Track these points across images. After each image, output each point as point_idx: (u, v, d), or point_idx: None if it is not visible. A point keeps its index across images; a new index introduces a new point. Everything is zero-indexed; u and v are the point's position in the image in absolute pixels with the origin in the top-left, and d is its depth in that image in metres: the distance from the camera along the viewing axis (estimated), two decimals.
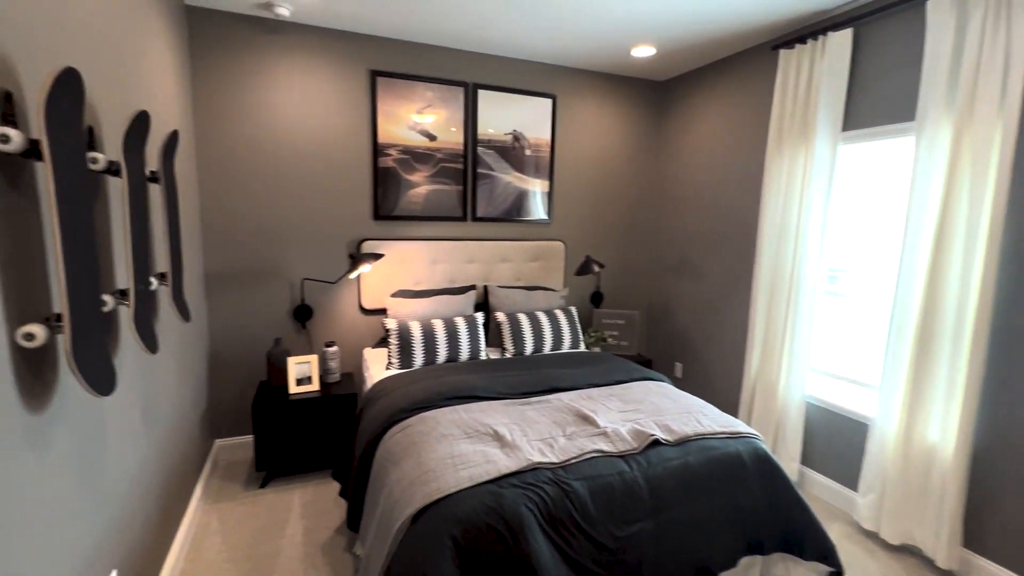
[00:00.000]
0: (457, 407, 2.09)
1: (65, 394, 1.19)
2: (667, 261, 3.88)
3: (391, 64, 3.08)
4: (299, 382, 2.75)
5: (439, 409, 2.07)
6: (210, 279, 2.83)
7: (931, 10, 2.11)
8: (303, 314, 2.99)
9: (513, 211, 3.52)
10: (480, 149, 3.37)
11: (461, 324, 2.88)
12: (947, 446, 2.10)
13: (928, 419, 2.18)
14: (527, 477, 1.61)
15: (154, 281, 1.64)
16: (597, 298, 3.77)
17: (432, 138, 3.23)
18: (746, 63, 3.14)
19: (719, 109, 3.36)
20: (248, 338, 2.94)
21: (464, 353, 2.84)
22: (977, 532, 2.08)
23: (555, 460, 1.70)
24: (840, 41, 2.49)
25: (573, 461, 1.71)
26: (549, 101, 3.52)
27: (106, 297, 1.24)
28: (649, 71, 3.63)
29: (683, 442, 1.89)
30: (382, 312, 3.21)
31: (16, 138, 0.95)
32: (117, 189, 1.55)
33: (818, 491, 2.73)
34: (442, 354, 2.78)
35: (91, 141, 1.35)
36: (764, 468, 1.90)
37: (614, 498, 1.64)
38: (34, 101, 1.11)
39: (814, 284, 2.69)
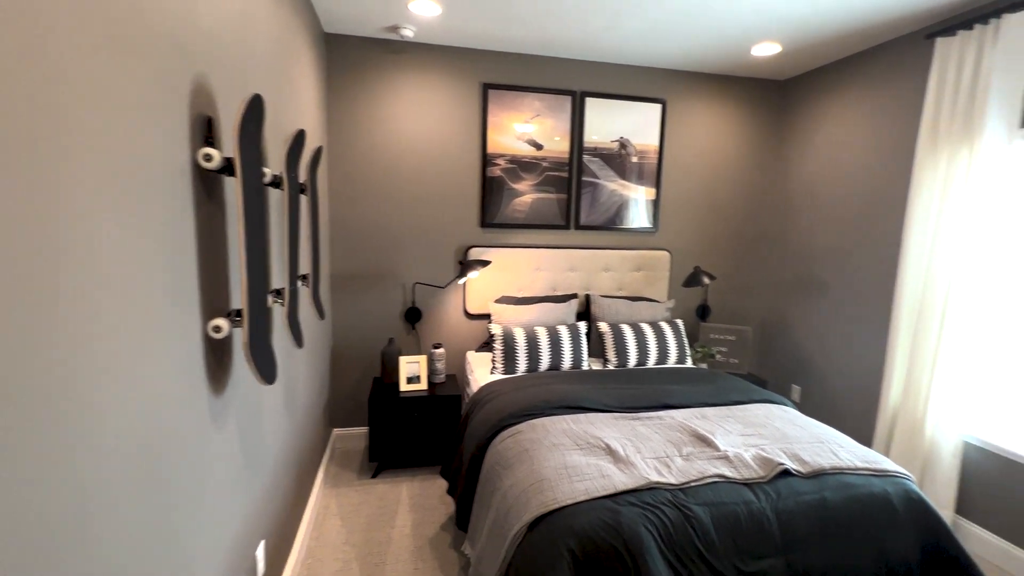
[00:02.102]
0: (565, 416, 2.08)
1: (237, 381, 1.35)
2: (786, 275, 3.58)
3: (501, 76, 3.17)
4: (409, 380, 2.90)
5: (547, 417, 2.06)
6: (334, 280, 3.09)
7: None
8: (413, 316, 3.16)
9: (616, 219, 3.45)
10: (585, 157, 3.35)
11: (564, 332, 2.86)
12: None
13: None
14: (644, 496, 1.55)
15: (299, 282, 1.82)
16: (704, 312, 3.57)
17: (538, 147, 3.27)
18: (888, 56, 2.81)
19: (854, 108, 3.04)
20: (365, 336, 3.17)
21: (567, 362, 2.82)
22: None
23: (674, 481, 1.62)
24: (1020, 23, 2.14)
25: (693, 484, 1.62)
26: (658, 106, 3.41)
27: (267, 296, 1.39)
28: (769, 70, 3.39)
29: (817, 475, 1.71)
30: (485, 317, 3.30)
31: (217, 157, 1.10)
32: (275, 199, 1.74)
33: (977, 547, 2.34)
34: (545, 361, 2.78)
35: (261, 158, 1.54)
36: (919, 515, 1.66)
37: (740, 529, 1.53)
38: (229, 124, 1.28)
39: (977, 305, 2.32)
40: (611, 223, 3.45)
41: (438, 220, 3.19)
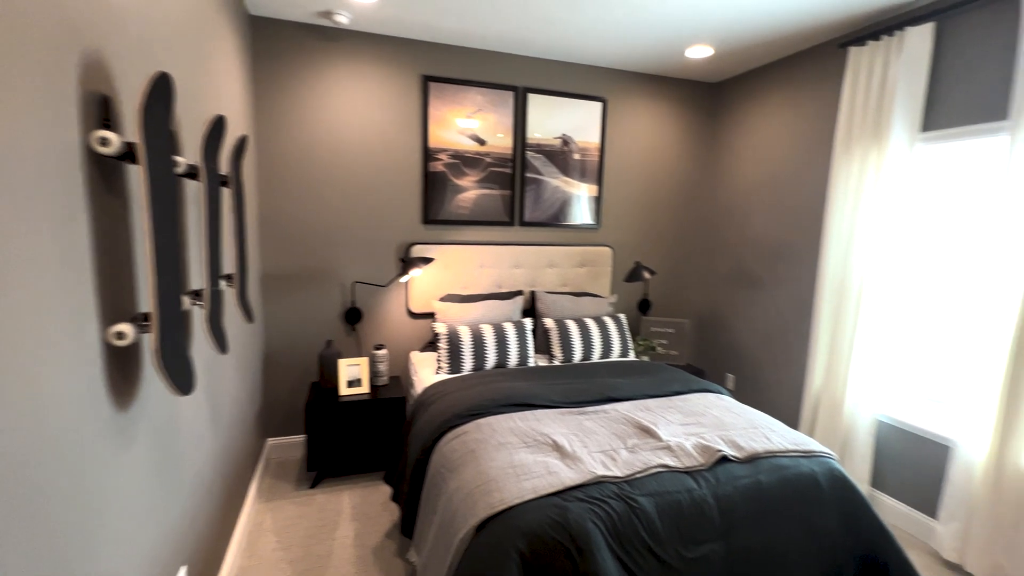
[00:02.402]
0: (512, 414, 2.05)
1: (148, 393, 1.22)
2: (721, 269, 3.75)
3: (442, 69, 3.10)
4: (349, 384, 2.77)
5: (494, 416, 2.03)
6: (266, 280, 2.90)
7: None
8: (353, 316, 3.02)
9: (560, 216, 3.47)
10: (528, 153, 3.34)
11: (510, 329, 2.84)
12: None
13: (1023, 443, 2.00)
14: (592, 491, 1.55)
15: (222, 283, 1.67)
16: (645, 306, 3.67)
17: (481, 142, 3.22)
18: (810, 62, 3.00)
19: (779, 111, 3.23)
20: (300, 339, 3.00)
21: (513, 359, 2.80)
22: None
23: (619, 474, 1.63)
24: (919, 36, 2.34)
25: (638, 476, 1.64)
26: (599, 104, 3.46)
27: (183, 298, 1.27)
28: (703, 72, 3.53)
29: (752, 459, 1.79)
30: (429, 316, 3.22)
31: (115, 141, 0.97)
32: (192, 192, 1.58)
33: (890, 516, 2.55)
34: (491, 359, 2.75)
35: (174, 145, 1.39)
36: (841, 490, 1.78)
37: (682, 517, 1.56)
38: (130, 105, 1.14)
39: (887, 294, 2.52)
40: (555, 220, 3.47)
41: (378, 216, 3.07)
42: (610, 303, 3.31)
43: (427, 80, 3.06)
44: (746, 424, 2.03)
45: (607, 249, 3.55)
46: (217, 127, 1.49)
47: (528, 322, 2.95)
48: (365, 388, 2.80)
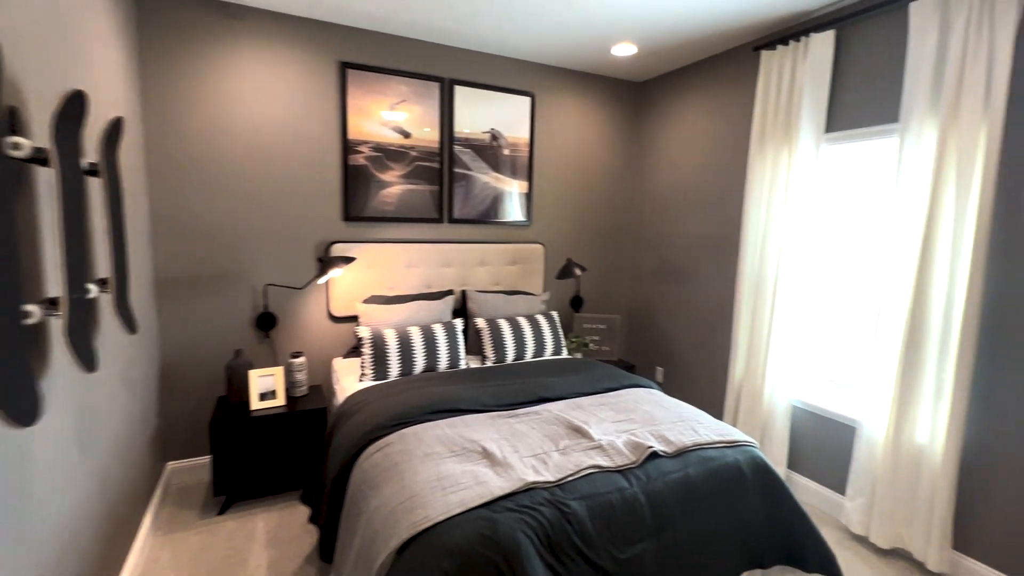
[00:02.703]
0: (440, 422, 1.94)
1: None
2: (648, 264, 3.83)
3: (362, 56, 2.91)
4: (262, 397, 2.53)
5: (420, 424, 1.91)
6: (161, 285, 2.58)
7: (914, 12, 2.11)
8: (266, 323, 2.77)
9: (491, 212, 3.39)
10: (457, 148, 3.23)
11: (439, 331, 2.72)
12: (936, 448, 2.09)
13: (916, 421, 2.18)
14: (522, 499, 1.48)
15: (93, 288, 1.42)
16: (577, 302, 3.68)
17: (406, 135, 3.07)
18: (728, 64, 3.12)
19: (700, 110, 3.34)
20: (204, 350, 2.69)
21: (443, 362, 2.68)
22: (966, 534, 2.07)
23: (550, 478, 1.57)
24: (822, 42, 2.48)
25: (570, 478, 1.59)
26: (527, 99, 3.41)
27: (30, 308, 1.05)
28: (628, 71, 3.58)
29: (681, 453, 1.80)
30: (353, 320, 3.02)
31: None
32: (48, 182, 1.33)
33: (806, 495, 2.70)
34: (419, 363, 2.61)
35: (13, 124, 1.15)
36: (763, 478, 1.83)
37: (615, 518, 1.53)
38: None
39: (799, 286, 2.67)
40: (486, 216, 3.38)
41: (294, 213, 2.83)
42: (543, 301, 3.28)
43: (345, 67, 2.86)
44: (675, 418, 2.05)
45: (539, 246, 3.51)
46: (74, 104, 1.26)
47: (459, 323, 2.85)
48: (280, 400, 2.56)
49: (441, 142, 3.18)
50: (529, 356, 2.95)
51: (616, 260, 3.95)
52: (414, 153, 3.10)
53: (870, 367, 2.31)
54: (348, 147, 2.91)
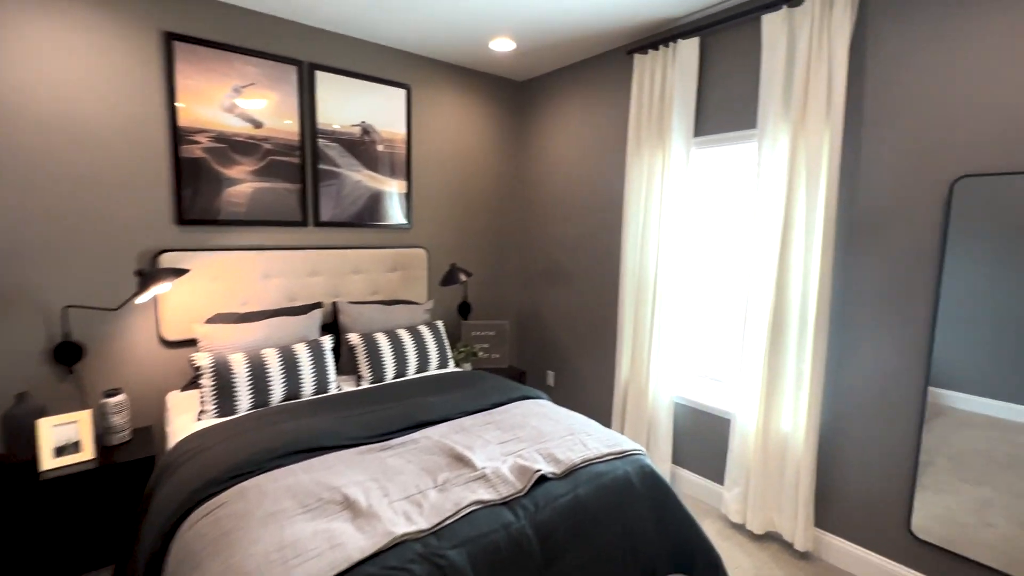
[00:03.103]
0: (294, 467, 1.61)
1: None
2: (535, 267, 3.76)
3: (195, 27, 2.42)
4: (60, 451, 1.96)
5: (268, 473, 1.56)
6: None
7: (766, 23, 2.23)
8: (69, 355, 2.17)
9: (366, 214, 3.06)
10: (322, 141, 2.85)
11: (302, 351, 2.35)
12: (798, 435, 2.23)
13: (781, 410, 2.30)
14: (389, 559, 1.23)
15: None
16: (465, 309, 3.48)
17: (257, 125, 2.63)
18: (604, 66, 3.13)
19: (580, 112, 3.32)
20: None
21: (308, 388, 2.31)
22: (825, 512, 2.23)
23: (425, 526, 1.34)
24: (688, 49, 2.56)
25: (448, 522, 1.37)
26: (403, 92, 3.14)
27: None
28: (510, 69, 3.47)
29: (571, 472, 1.67)
30: (194, 344, 2.51)
31: None
32: None
33: (689, 489, 2.78)
34: (277, 392, 2.22)
35: None
36: (652, 487, 1.78)
37: (500, 559, 1.35)
38: None
39: (678, 285, 2.73)
40: (360, 219, 3.04)
41: (104, 214, 2.26)
42: (426, 310, 3.03)
43: (171, 39, 2.35)
44: (564, 431, 1.93)
45: (421, 251, 3.25)
46: None
47: (328, 340, 2.49)
48: (87, 453, 2.01)
49: (302, 134, 2.78)
50: (412, 372, 2.68)
51: (504, 263, 3.83)
52: (268, 146, 2.67)
53: (741, 361, 2.41)
54: (179, 136, 2.41)
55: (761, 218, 2.30)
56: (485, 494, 1.50)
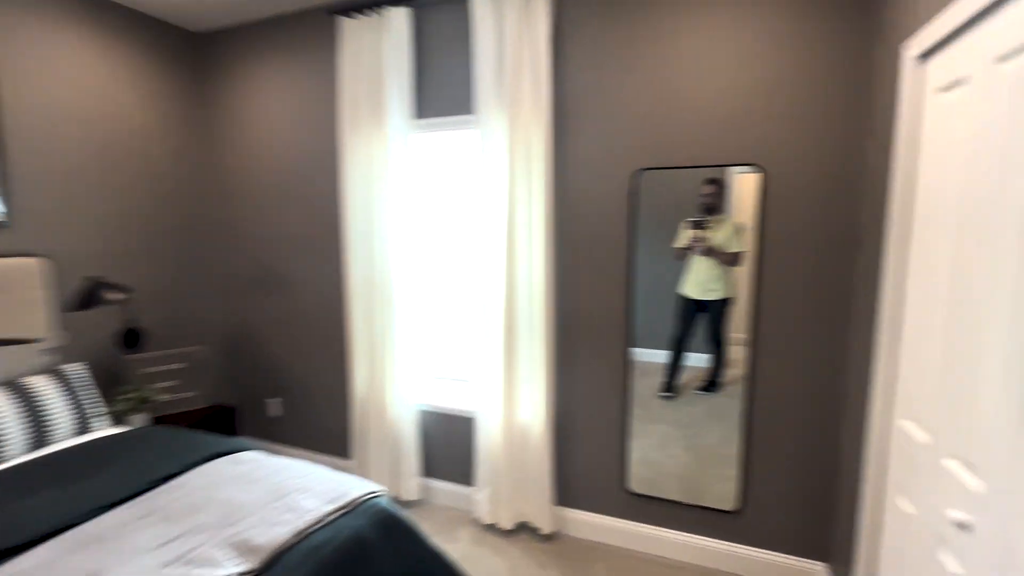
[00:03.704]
0: None
1: None
2: (242, 272, 2.98)
3: None
4: None
5: None
6: None
7: (475, 5, 2.11)
8: None
9: None
10: None
11: None
12: (536, 425, 2.25)
13: (520, 403, 2.29)
14: None
15: None
16: (132, 339, 2.49)
17: None
18: (305, 27, 2.60)
19: (280, 81, 2.71)
20: None
21: None
22: (564, 491, 2.34)
23: None
24: (398, 18, 2.28)
25: None
26: None
27: None
28: (179, 14, 2.59)
29: (276, 559, 1.21)
30: None
31: None
32: None
33: (442, 499, 2.60)
34: None
35: None
36: (392, 535, 1.46)
37: None
38: None
39: (411, 285, 2.47)
40: None
41: None
42: (46, 350, 1.99)
43: None
44: (269, 496, 1.43)
45: (33, 261, 2.14)
46: None
47: None
48: None
49: None
50: (22, 452, 1.70)
51: (197, 271, 2.93)
52: None
53: (481, 359, 2.31)
54: None
55: (488, 212, 2.20)
56: None
